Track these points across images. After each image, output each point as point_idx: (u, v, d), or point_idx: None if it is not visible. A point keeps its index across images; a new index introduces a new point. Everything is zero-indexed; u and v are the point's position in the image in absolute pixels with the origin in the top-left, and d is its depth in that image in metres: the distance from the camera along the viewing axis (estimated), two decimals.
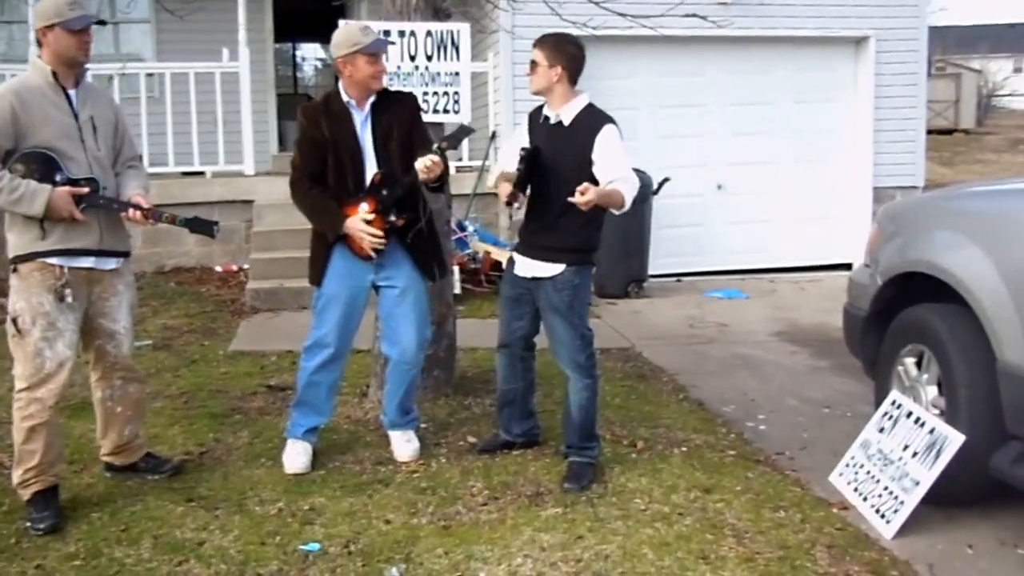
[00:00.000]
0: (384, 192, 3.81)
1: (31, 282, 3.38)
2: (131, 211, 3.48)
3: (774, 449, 4.38)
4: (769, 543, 3.36)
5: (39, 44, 3.42)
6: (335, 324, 3.91)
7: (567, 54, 3.77)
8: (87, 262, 3.46)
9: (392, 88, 4.51)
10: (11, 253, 3.42)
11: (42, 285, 3.37)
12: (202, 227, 3.68)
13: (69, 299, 3.40)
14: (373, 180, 3.83)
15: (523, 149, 3.77)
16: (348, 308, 3.92)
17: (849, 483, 3.83)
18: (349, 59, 3.74)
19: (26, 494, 3.45)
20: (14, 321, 3.39)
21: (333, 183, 3.86)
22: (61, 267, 3.39)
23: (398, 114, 3.89)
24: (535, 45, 3.81)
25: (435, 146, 3.72)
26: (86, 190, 3.39)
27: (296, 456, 3.97)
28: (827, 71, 9.33)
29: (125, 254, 3.65)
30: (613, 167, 3.70)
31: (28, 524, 3.40)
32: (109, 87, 7.76)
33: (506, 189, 3.75)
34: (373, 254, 3.82)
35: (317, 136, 3.84)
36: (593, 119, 3.77)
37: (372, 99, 3.88)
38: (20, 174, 3.32)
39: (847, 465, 3.91)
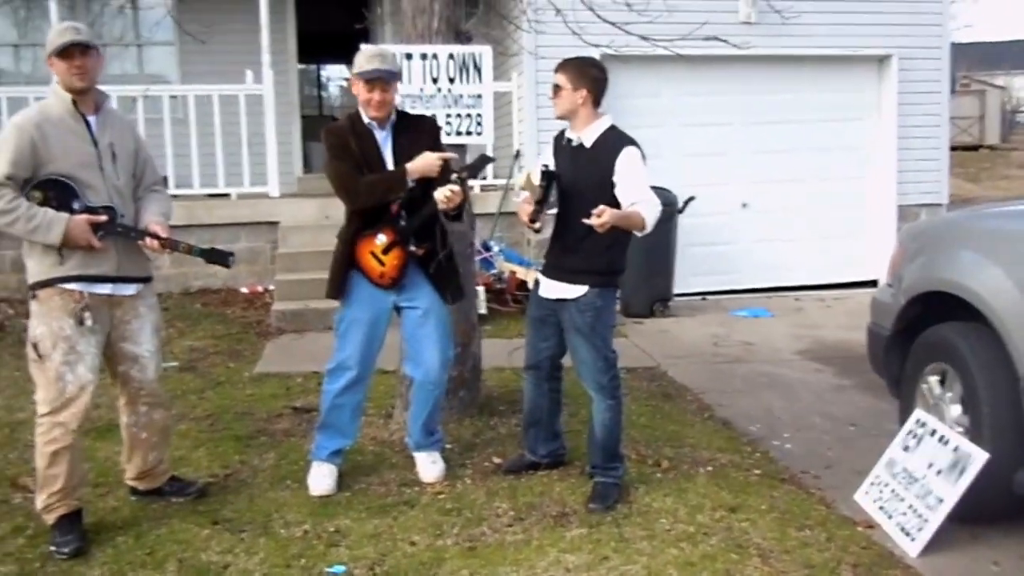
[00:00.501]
0: (402, 223, 3.83)
1: (51, 306, 3.39)
2: (148, 240, 3.50)
3: (799, 468, 4.35)
4: (795, 562, 3.34)
5: None
6: (357, 347, 3.93)
7: (591, 77, 3.78)
8: (105, 288, 3.47)
9: (415, 110, 4.57)
10: (30, 279, 3.45)
11: (62, 309, 3.38)
12: (218, 258, 3.70)
13: (89, 322, 3.41)
14: (390, 210, 3.84)
15: (544, 165, 3.79)
16: (370, 330, 3.93)
17: (874, 501, 3.80)
18: (354, 81, 3.86)
19: (50, 518, 3.47)
20: (35, 346, 3.40)
21: None
22: (81, 292, 3.40)
23: (419, 137, 3.92)
24: (558, 69, 3.83)
25: (455, 175, 3.74)
26: (104, 218, 3.40)
27: (321, 478, 3.98)
28: (850, 90, 9.31)
29: (145, 279, 3.66)
30: (634, 189, 3.70)
31: (53, 548, 3.41)
32: (133, 109, 7.87)
33: (526, 210, 3.76)
34: (390, 285, 3.86)
35: (348, 147, 3.86)
36: (614, 141, 3.78)
37: (392, 120, 3.92)
38: (37, 201, 3.33)
39: (872, 483, 3.88)
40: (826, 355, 6.59)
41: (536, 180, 3.74)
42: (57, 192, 3.36)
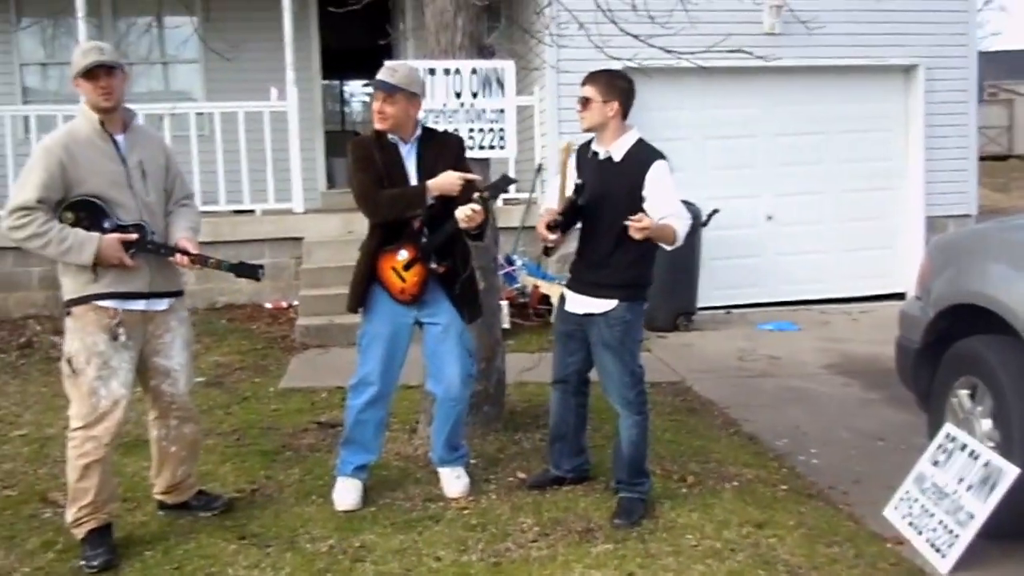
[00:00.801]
0: (424, 239, 3.84)
1: (85, 322, 3.43)
2: (178, 256, 3.53)
3: (827, 483, 4.30)
4: None
5: None
6: (379, 362, 3.94)
7: (621, 89, 3.78)
8: (139, 304, 3.51)
9: (438, 125, 4.59)
10: (65, 296, 3.49)
11: (96, 325, 3.42)
12: (248, 271, 3.73)
13: (123, 338, 3.45)
14: (412, 226, 3.85)
15: (578, 180, 3.76)
16: (391, 346, 3.94)
17: (903, 517, 3.75)
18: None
19: (80, 532, 3.50)
20: (69, 361, 3.44)
21: None
22: (115, 309, 3.44)
23: (443, 154, 3.93)
24: (587, 82, 3.81)
25: (476, 195, 3.74)
26: (134, 236, 3.43)
27: (346, 493, 3.98)
28: (876, 100, 9.24)
29: (177, 293, 3.70)
30: (665, 203, 3.69)
31: (82, 562, 3.44)
32: (160, 126, 7.96)
33: (546, 219, 3.74)
34: (410, 300, 3.87)
35: (373, 159, 3.88)
36: (644, 155, 3.77)
37: (417, 135, 3.94)
38: (69, 222, 3.37)
39: (901, 499, 3.83)
40: (853, 369, 6.52)
41: (571, 175, 3.76)
42: (88, 212, 3.40)
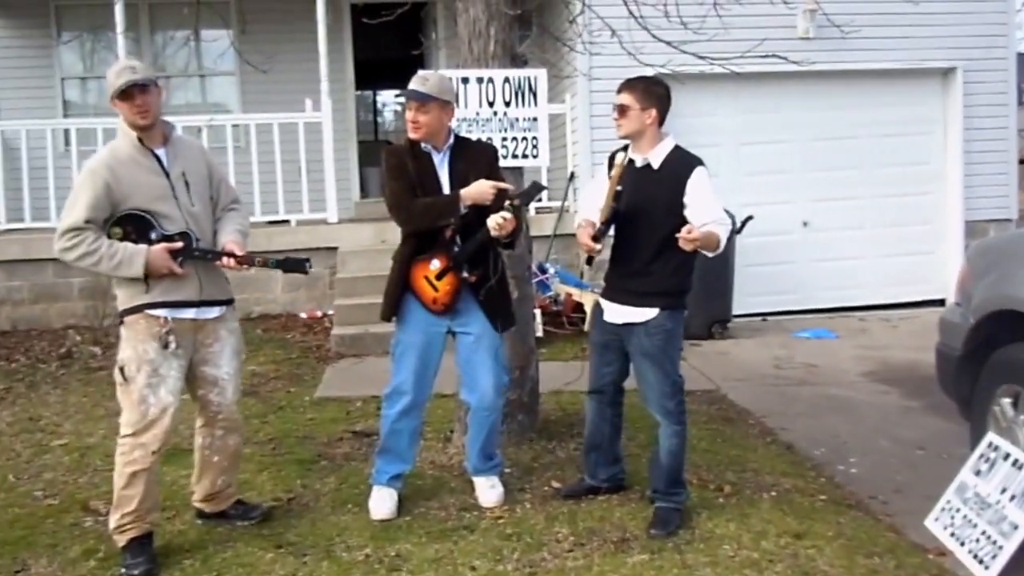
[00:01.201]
0: (456, 248, 3.84)
1: (136, 330, 3.50)
2: (225, 259, 3.58)
3: (867, 493, 4.25)
4: None
5: None
6: (412, 372, 3.94)
7: (659, 96, 3.75)
8: (189, 313, 3.56)
9: (471, 134, 4.61)
10: (119, 307, 3.56)
11: (147, 333, 3.48)
12: (295, 266, 3.76)
13: (173, 346, 3.50)
14: (444, 235, 3.86)
15: (618, 187, 3.73)
16: (424, 355, 3.94)
17: (945, 528, 3.69)
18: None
19: (122, 540, 3.54)
20: (121, 370, 3.51)
21: None
22: (165, 317, 3.50)
23: (476, 162, 3.93)
24: (623, 89, 3.77)
25: (507, 203, 3.73)
26: (180, 245, 3.49)
27: (382, 502, 3.99)
28: (914, 103, 9.15)
29: (227, 302, 3.74)
30: (707, 210, 3.66)
31: (123, 570, 3.48)
32: (197, 138, 8.05)
33: (588, 231, 3.71)
34: (443, 310, 3.87)
35: (405, 168, 3.90)
36: (683, 162, 3.74)
37: (450, 144, 3.94)
38: (117, 237, 3.45)
39: (943, 509, 3.77)
40: (893, 377, 6.44)
41: (591, 215, 3.75)
42: (134, 226, 3.47)
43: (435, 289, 3.86)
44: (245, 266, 3.61)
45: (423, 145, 3.91)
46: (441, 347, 4.01)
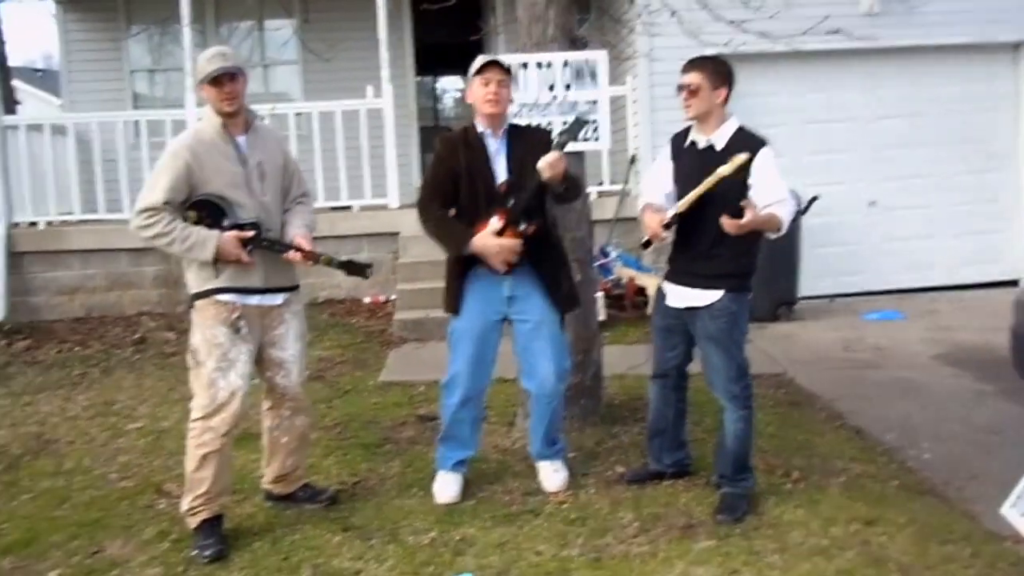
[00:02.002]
0: (512, 201, 3.79)
1: (206, 315, 3.58)
2: (291, 253, 3.63)
3: (940, 479, 4.15)
4: None
5: None
6: (468, 361, 3.92)
7: (728, 75, 3.69)
8: (254, 300, 3.63)
9: (531, 119, 4.59)
10: (190, 291, 3.65)
11: (216, 318, 3.56)
12: (357, 270, 3.82)
13: (244, 330, 3.58)
14: (499, 191, 3.82)
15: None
16: (480, 343, 3.92)
17: (1023, 515, 3.57)
18: (468, 87, 3.88)
19: (193, 522, 3.62)
20: (193, 354, 3.60)
21: (467, 210, 3.88)
22: (234, 303, 3.57)
23: (533, 147, 3.87)
24: (693, 68, 3.70)
25: (554, 143, 3.70)
26: (250, 234, 3.56)
27: (447, 487, 4.02)
28: (983, 79, 8.86)
29: (292, 288, 3.80)
30: (772, 191, 3.60)
31: (195, 552, 3.56)
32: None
33: (658, 219, 3.68)
34: (505, 267, 3.81)
35: (453, 164, 3.89)
36: (748, 142, 3.66)
37: (505, 128, 3.92)
38: (192, 220, 3.53)
39: (1020, 496, 3.62)
40: (965, 359, 6.27)
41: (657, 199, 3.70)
42: (209, 211, 3.54)
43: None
44: (310, 262, 3.66)
45: (480, 131, 3.90)
46: (498, 335, 3.98)
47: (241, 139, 3.63)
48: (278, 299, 3.72)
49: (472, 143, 3.90)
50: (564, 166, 3.69)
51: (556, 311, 3.97)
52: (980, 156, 8.93)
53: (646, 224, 3.77)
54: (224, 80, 3.52)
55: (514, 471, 4.31)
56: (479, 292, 3.91)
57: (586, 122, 3.93)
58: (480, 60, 3.85)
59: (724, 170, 3.53)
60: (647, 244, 3.84)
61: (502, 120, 3.92)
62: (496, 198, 3.82)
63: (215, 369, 3.54)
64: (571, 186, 3.84)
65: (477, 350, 3.93)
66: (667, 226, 3.65)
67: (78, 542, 3.76)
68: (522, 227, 3.80)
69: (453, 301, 3.96)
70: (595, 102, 4.85)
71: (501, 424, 4.92)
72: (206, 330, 3.57)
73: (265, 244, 3.61)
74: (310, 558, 3.51)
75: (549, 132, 4.18)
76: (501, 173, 3.88)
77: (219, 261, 3.53)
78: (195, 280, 3.62)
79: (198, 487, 3.59)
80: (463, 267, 3.93)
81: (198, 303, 3.61)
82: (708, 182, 3.55)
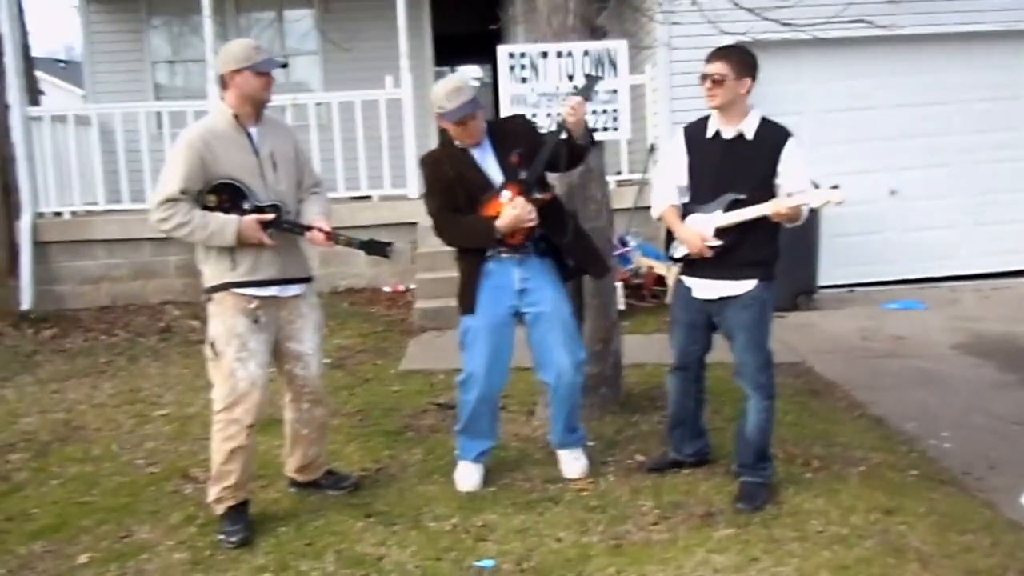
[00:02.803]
0: (523, 174, 3.80)
1: (224, 306, 3.62)
2: (314, 232, 3.67)
3: (960, 468, 4.16)
4: (956, 568, 3.19)
5: (224, 87, 3.63)
6: (484, 357, 3.90)
7: (753, 66, 3.69)
8: (272, 291, 3.67)
9: (551, 108, 4.63)
10: (206, 284, 3.69)
11: (235, 308, 3.60)
12: (377, 248, 3.83)
13: (263, 320, 3.62)
14: (511, 163, 3.82)
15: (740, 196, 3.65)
16: (495, 339, 3.91)
17: None
18: (439, 120, 3.89)
19: (219, 509, 3.68)
20: (212, 345, 3.64)
21: (468, 214, 3.90)
22: (251, 295, 3.61)
23: (518, 140, 3.89)
24: (718, 58, 3.68)
25: (572, 92, 3.72)
26: (271, 216, 3.59)
27: (468, 476, 4.06)
28: (1007, 66, 8.75)
29: (306, 279, 3.84)
30: (796, 181, 3.60)
31: (221, 537, 3.62)
32: (281, 117, 8.21)
33: (699, 243, 3.69)
34: (523, 237, 3.84)
35: (446, 175, 3.90)
36: (775, 133, 3.68)
37: (484, 134, 3.91)
38: (212, 204, 3.56)
39: None
40: (986, 349, 6.25)
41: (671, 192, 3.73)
42: (229, 194, 3.58)
43: None
44: (331, 243, 3.69)
45: (457, 143, 3.90)
46: (511, 330, 3.98)
47: (253, 130, 3.67)
48: (293, 290, 3.75)
49: (454, 154, 3.92)
50: (584, 112, 3.72)
51: (567, 301, 3.98)
52: (1003, 145, 8.83)
53: (687, 241, 3.75)
54: (270, 71, 3.61)
55: (534, 459, 4.35)
56: (490, 288, 3.93)
57: (599, 78, 3.92)
58: (449, 104, 3.76)
59: (811, 202, 3.54)
60: (684, 258, 3.82)
61: (480, 135, 3.91)
62: (493, 191, 3.83)
63: (235, 359, 3.57)
64: (591, 139, 3.88)
65: (493, 347, 3.91)
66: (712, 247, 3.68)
67: (107, 527, 3.84)
68: (537, 196, 3.81)
69: (470, 302, 3.96)
70: (615, 91, 4.87)
71: (521, 413, 4.96)
72: (226, 319, 3.60)
73: (286, 227, 3.64)
74: (334, 543, 3.57)
75: (523, 117, 4.21)
76: (493, 173, 3.88)
77: (240, 245, 3.55)
78: (212, 272, 3.65)
79: (225, 479, 3.63)
80: (477, 266, 3.94)
81: (216, 295, 3.64)
82: (774, 208, 3.52)
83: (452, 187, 3.90)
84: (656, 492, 3.91)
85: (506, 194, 3.81)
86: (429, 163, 4.01)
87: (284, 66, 3.70)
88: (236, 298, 3.61)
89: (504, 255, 3.91)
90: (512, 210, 3.76)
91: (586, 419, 4.51)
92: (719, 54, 3.71)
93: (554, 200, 3.97)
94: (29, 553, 3.65)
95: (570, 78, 4.79)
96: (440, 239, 4.03)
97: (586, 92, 3.82)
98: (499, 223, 3.78)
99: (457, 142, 3.91)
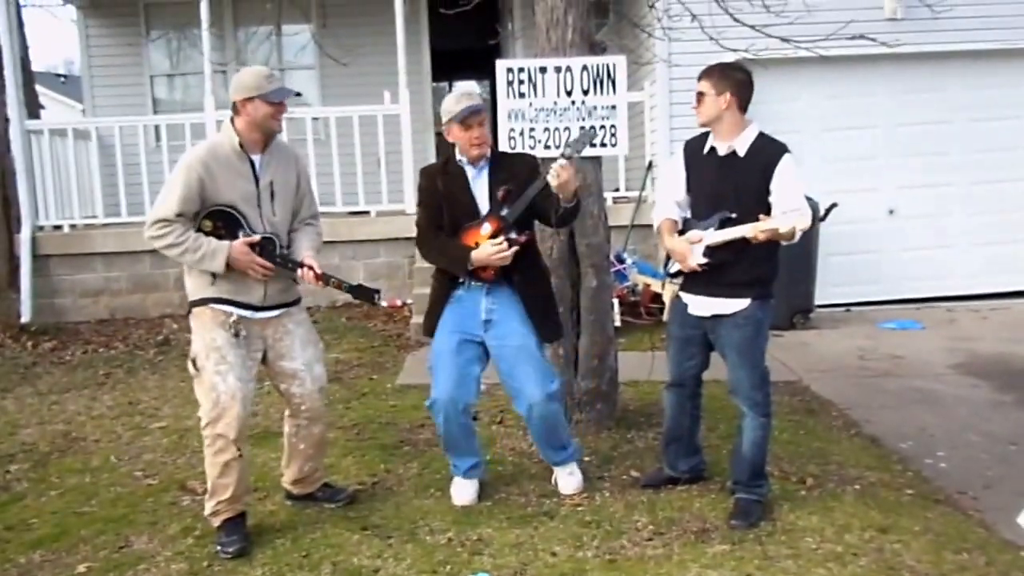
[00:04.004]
0: (506, 210, 3.82)
1: (203, 320, 3.62)
2: (305, 271, 3.65)
3: (955, 488, 4.15)
4: None
5: (236, 113, 3.61)
6: (448, 381, 3.88)
7: (734, 80, 3.69)
8: (248, 312, 3.66)
9: (549, 123, 4.64)
10: (189, 297, 3.69)
11: (213, 322, 3.60)
12: (364, 295, 3.87)
13: (243, 334, 3.61)
14: (497, 198, 3.84)
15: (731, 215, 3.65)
16: (459, 362, 3.89)
17: None
18: (448, 128, 3.91)
19: (216, 521, 3.68)
20: (193, 361, 3.63)
21: (450, 235, 3.95)
22: (229, 312, 3.61)
23: (516, 171, 3.91)
24: (701, 77, 3.74)
25: (561, 153, 3.71)
26: (257, 238, 3.59)
27: (463, 490, 4.06)
28: (1007, 85, 8.79)
29: (291, 304, 3.81)
30: (790, 198, 3.58)
31: (219, 548, 3.62)
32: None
33: (688, 251, 3.71)
34: (492, 273, 3.86)
35: (434, 191, 3.95)
36: (770, 149, 3.67)
37: (487, 156, 3.93)
38: (207, 230, 3.57)
39: None
40: (983, 369, 6.26)
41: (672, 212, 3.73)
42: (225, 222, 3.59)
43: None
44: (320, 283, 3.69)
45: (458, 160, 3.93)
46: (475, 351, 3.96)
47: (256, 158, 3.66)
48: (274, 312, 3.74)
49: (451, 172, 3.94)
50: (570, 176, 3.63)
51: (534, 334, 3.96)
52: (1003, 165, 8.86)
53: (678, 255, 3.77)
54: (285, 100, 3.63)
55: (530, 473, 4.35)
56: (456, 315, 3.96)
57: (594, 134, 3.93)
58: (458, 106, 3.82)
59: (780, 227, 3.47)
60: (678, 274, 3.84)
61: (486, 152, 3.94)
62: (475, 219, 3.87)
63: (215, 372, 3.56)
64: (577, 203, 3.80)
65: (456, 371, 3.89)
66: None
67: (105, 537, 3.84)
68: (513, 235, 3.82)
69: (431, 325, 4.01)
70: (613, 107, 4.88)
71: (517, 428, 4.96)
72: (205, 334, 3.59)
73: (278, 261, 3.64)
74: (330, 556, 3.56)
75: (535, 158, 4.18)
76: (481, 199, 3.91)
77: (231, 270, 3.55)
78: (193, 286, 3.66)
79: (222, 492, 3.64)
80: (447, 291, 3.98)
81: (195, 310, 3.65)
82: (752, 231, 3.52)
83: (440, 204, 3.93)
84: (651, 508, 3.91)
85: (487, 227, 3.84)
86: (425, 175, 4.05)
87: (298, 95, 3.68)
88: (215, 312, 3.60)
89: (474, 284, 3.94)
90: (491, 247, 3.78)
91: (581, 434, 4.52)
92: (703, 72, 3.77)
93: (531, 246, 4.00)
94: (28, 563, 3.66)
95: (568, 93, 4.80)
96: (420, 254, 4.07)
97: (578, 148, 3.80)
98: (475, 255, 3.80)
99: (460, 158, 3.93)
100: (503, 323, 3.93)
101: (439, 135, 12.06)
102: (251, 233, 3.60)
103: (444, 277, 4.01)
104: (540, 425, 4.00)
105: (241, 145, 3.61)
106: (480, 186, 3.93)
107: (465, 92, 3.91)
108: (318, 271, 3.66)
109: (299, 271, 3.67)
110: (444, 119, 3.89)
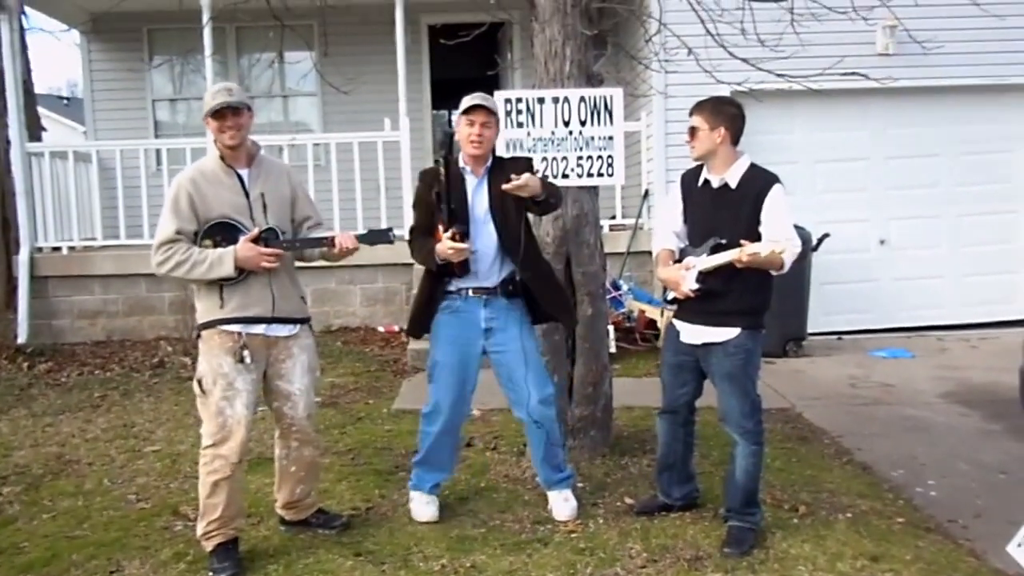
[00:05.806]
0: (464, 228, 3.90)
1: (212, 345, 3.66)
2: (339, 237, 3.73)
3: (946, 516, 4.18)
4: None
5: None
6: (449, 390, 4.02)
7: (728, 115, 3.76)
8: (259, 328, 3.69)
9: (547, 153, 4.71)
10: (198, 321, 3.73)
11: (221, 348, 3.63)
12: (378, 237, 3.90)
13: (248, 360, 3.64)
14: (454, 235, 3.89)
15: (720, 240, 3.71)
16: (460, 374, 4.02)
17: None
18: (457, 121, 4.01)
19: (208, 545, 3.70)
20: (199, 383, 3.67)
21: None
22: (239, 333, 3.64)
23: (507, 175, 3.96)
24: (693, 111, 3.81)
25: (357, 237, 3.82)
26: (257, 231, 3.64)
27: (425, 506, 4.15)
28: (997, 120, 8.92)
29: (300, 320, 3.86)
30: (779, 228, 3.63)
31: (210, 574, 3.64)
32: (279, 157, 8.30)
33: (683, 277, 3.76)
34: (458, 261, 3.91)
35: (429, 191, 4.02)
36: (760, 180, 3.73)
37: (488, 166, 4.03)
38: (210, 247, 3.61)
39: None
40: (973, 398, 6.30)
41: (669, 242, 3.81)
42: (224, 233, 3.63)
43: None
44: (353, 243, 3.76)
45: (460, 166, 4.00)
46: (476, 365, 4.07)
47: (244, 171, 3.72)
48: (284, 330, 3.77)
49: (451, 175, 4.00)
50: (526, 181, 3.79)
51: (533, 339, 4.09)
52: (992, 198, 8.97)
53: (671, 283, 3.84)
54: (227, 114, 3.61)
55: (524, 500, 4.37)
56: (456, 325, 4.03)
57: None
58: (467, 101, 3.94)
59: (761, 251, 3.50)
60: (674, 301, 3.91)
61: (484, 159, 4.03)
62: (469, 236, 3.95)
63: (222, 398, 3.61)
64: (551, 192, 3.95)
65: (458, 381, 4.03)
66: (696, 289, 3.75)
67: (97, 561, 3.84)
68: (458, 226, 3.88)
69: (416, 327, 4.13)
70: (610, 138, 4.95)
71: (511, 454, 4.98)
72: (212, 359, 3.64)
73: (285, 245, 3.69)
74: None
75: (529, 160, 4.27)
76: (481, 206, 3.99)
77: (242, 270, 3.58)
78: (202, 309, 3.70)
79: (212, 513, 3.66)
80: (431, 293, 4.06)
81: (204, 333, 3.69)
82: (737, 255, 3.56)
83: (429, 207, 4.01)
84: (644, 535, 3.93)
85: (441, 226, 3.92)
86: (425, 178, 4.10)
87: (239, 108, 3.62)
88: (223, 336, 3.64)
89: (472, 294, 4.02)
90: (446, 242, 3.85)
91: (575, 461, 4.54)
92: (695, 106, 3.84)
93: (532, 245, 4.09)
94: None
95: (566, 123, 4.87)
96: (410, 251, 4.15)
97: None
98: (437, 247, 3.90)
99: (462, 158, 4.00)
100: (502, 331, 4.03)
101: (438, 162, 12.19)
102: (251, 233, 3.64)
103: (430, 278, 4.09)
104: (538, 432, 4.09)
105: (223, 159, 3.68)
106: (480, 194, 4.00)
107: (478, 93, 3.98)
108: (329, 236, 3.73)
109: (318, 249, 3.77)
110: (455, 123, 3.99)
